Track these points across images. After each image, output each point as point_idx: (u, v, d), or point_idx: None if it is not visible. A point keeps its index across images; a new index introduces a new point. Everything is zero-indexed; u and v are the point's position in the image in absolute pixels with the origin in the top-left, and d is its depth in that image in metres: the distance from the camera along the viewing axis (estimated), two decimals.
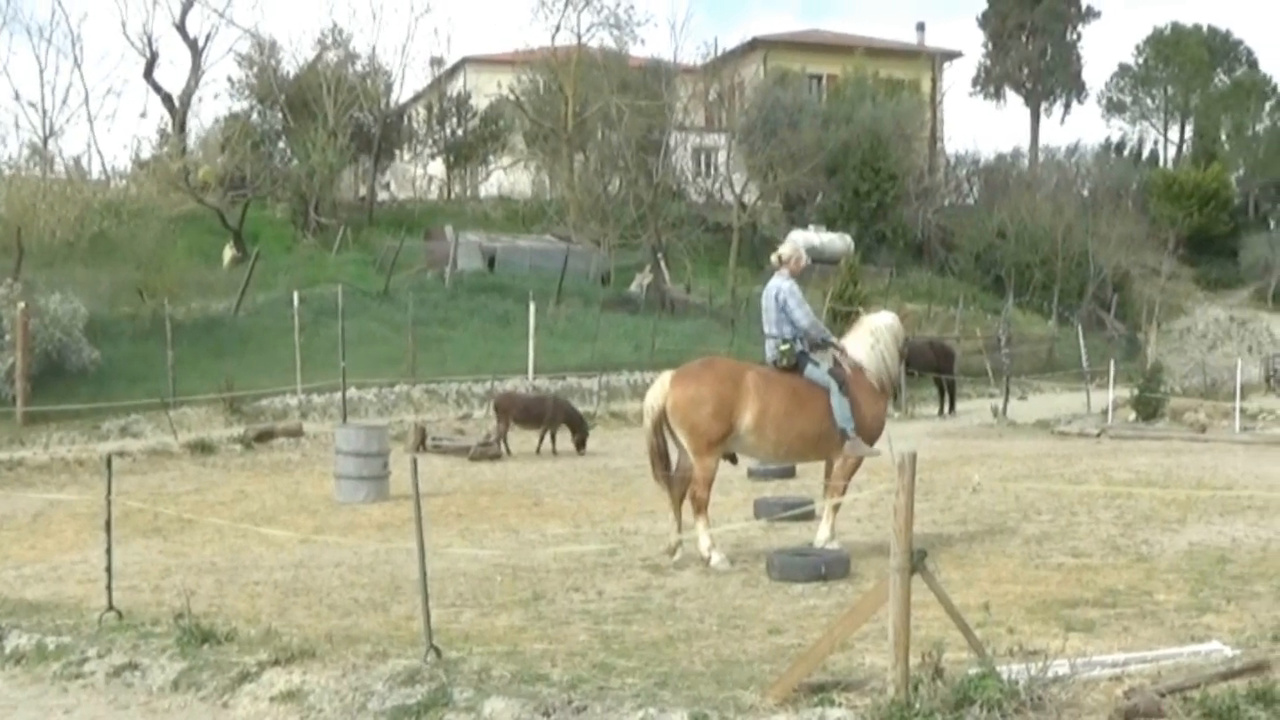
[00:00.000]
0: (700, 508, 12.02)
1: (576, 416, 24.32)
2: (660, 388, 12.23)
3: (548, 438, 24.12)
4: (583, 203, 49.70)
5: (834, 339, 12.82)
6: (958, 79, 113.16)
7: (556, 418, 24.08)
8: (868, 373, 12.65)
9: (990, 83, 74.41)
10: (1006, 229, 55.86)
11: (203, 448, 23.10)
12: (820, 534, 12.42)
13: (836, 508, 12.50)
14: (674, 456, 12.36)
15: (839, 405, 12.23)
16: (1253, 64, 75.80)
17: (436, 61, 59.97)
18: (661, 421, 12.20)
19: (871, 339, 12.88)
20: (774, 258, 13.11)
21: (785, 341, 12.41)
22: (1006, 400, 32.56)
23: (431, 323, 34.63)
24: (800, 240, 13.36)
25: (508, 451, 23.50)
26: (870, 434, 12.65)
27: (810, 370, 12.38)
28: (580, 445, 23.69)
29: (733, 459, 12.97)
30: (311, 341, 28.67)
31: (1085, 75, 75.10)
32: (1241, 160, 70.41)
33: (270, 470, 22.04)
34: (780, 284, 12.57)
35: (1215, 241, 64.32)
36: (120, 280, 32.11)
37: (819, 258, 49.64)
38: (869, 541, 12.87)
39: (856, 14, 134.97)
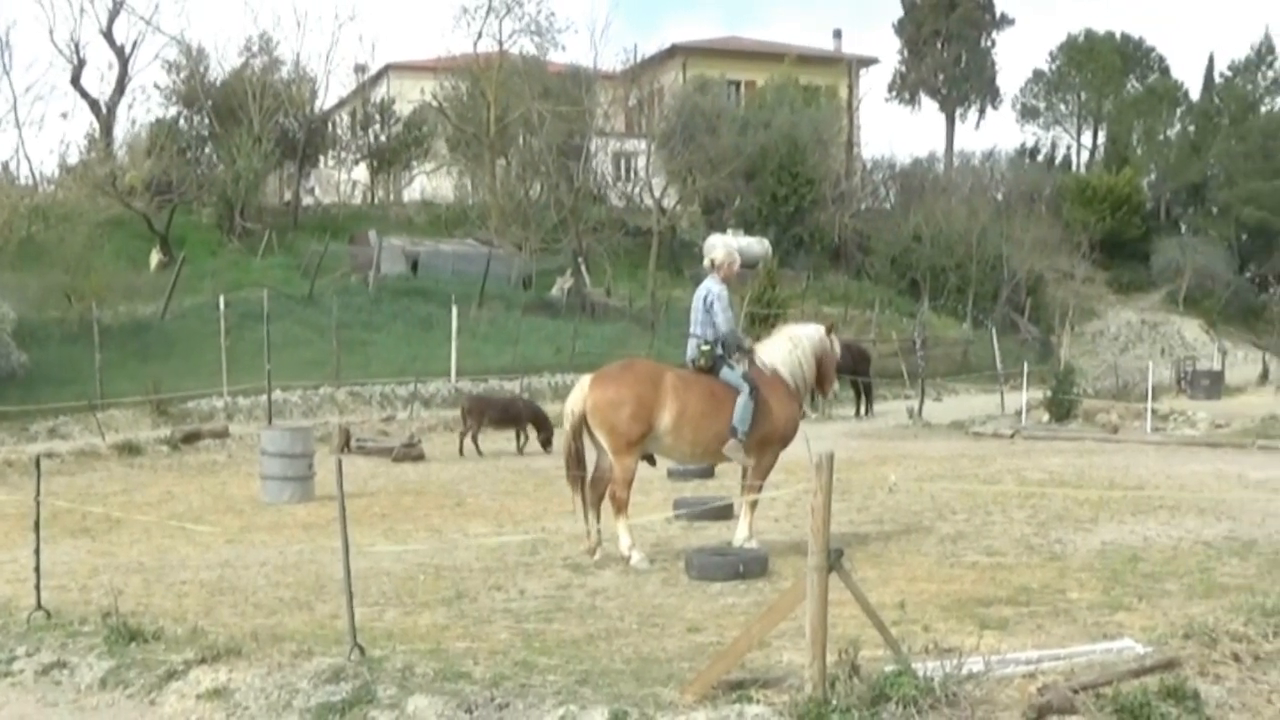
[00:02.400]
0: (620, 507, 12.10)
1: (542, 416, 24.57)
2: (580, 391, 12.30)
3: (509, 438, 24.46)
4: (504, 207, 49.73)
5: (750, 345, 12.90)
6: (874, 85, 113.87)
7: (525, 417, 24.33)
8: (781, 376, 12.76)
9: (906, 89, 74.93)
10: (922, 233, 56.27)
11: (130, 449, 23.09)
12: (738, 534, 12.50)
13: (753, 507, 12.60)
14: (592, 459, 12.43)
15: (743, 407, 12.31)
16: (1164, 70, 76.70)
17: (360, 68, 59.86)
18: (582, 425, 12.26)
19: (790, 344, 13.02)
20: (707, 261, 13.22)
21: (706, 343, 12.52)
22: (922, 402, 32.80)
23: (355, 326, 34.65)
24: (728, 244, 13.34)
25: (479, 452, 23.61)
26: (785, 436, 12.79)
27: (725, 373, 12.49)
28: (546, 444, 23.81)
29: (651, 460, 13.04)
30: (237, 345, 28.78)
31: (1000, 81, 75.93)
32: (1153, 165, 71.21)
33: (197, 471, 22.00)
34: (711, 287, 12.69)
35: (1127, 245, 65.02)
36: (48, 284, 32.01)
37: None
38: (787, 540, 12.92)
39: (775, 22, 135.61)
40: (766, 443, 12.60)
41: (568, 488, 12.71)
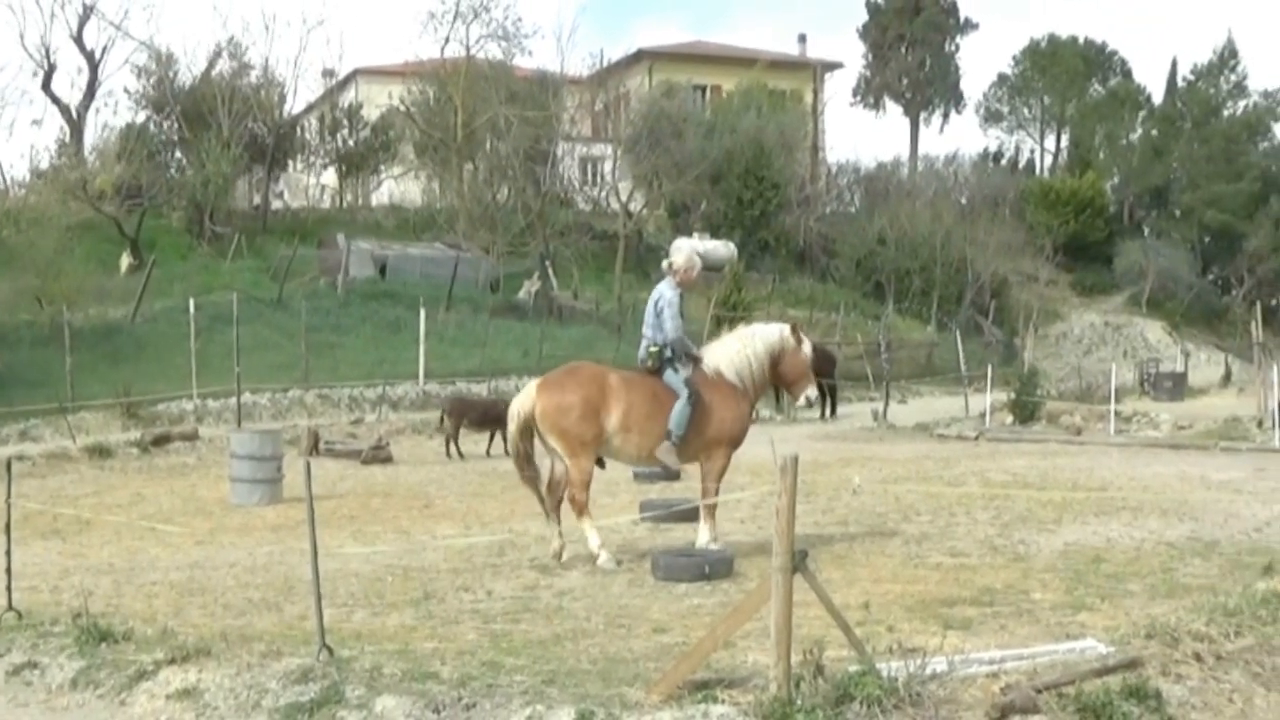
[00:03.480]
0: (581, 509, 12.18)
1: None
2: (527, 396, 12.39)
3: (484, 439, 24.42)
4: (472, 211, 49.73)
5: (696, 352, 12.88)
6: (839, 90, 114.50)
7: (505, 419, 24.33)
8: (726, 378, 12.77)
9: (870, 93, 75.19)
10: (886, 236, 56.41)
11: (101, 451, 23.15)
12: (701, 536, 12.54)
13: (712, 510, 12.61)
14: (548, 464, 12.53)
15: (679, 411, 12.36)
16: (1127, 74, 77.06)
17: (329, 73, 59.81)
18: (528, 428, 12.34)
19: (740, 344, 13.02)
20: (665, 264, 13.24)
21: (655, 345, 12.59)
22: (886, 404, 32.91)
23: (324, 329, 34.65)
24: (690, 248, 13.32)
25: (460, 455, 23.59)
26: (734, 437, 12.84)
27: (669, 376, 12.55)
28: None
29: (600, 463, 13.04)
30: (207, 348, 28.90)
31: (963, 86, 76.35)
32: (1116, 168, 71.52)
33: (167, 473, 22.05)
34: (664, 292, 12.72)
35: (1091, 248, 65.34)
36: (19, 288, 32.03)
37: (703, 265, 49.97)
38: (752, 542, 12.97)
39: (740, 27, 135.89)
40: (715, 445, 12.63)
41: (527, 489, 12.76)
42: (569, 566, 12.04)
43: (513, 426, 12.47)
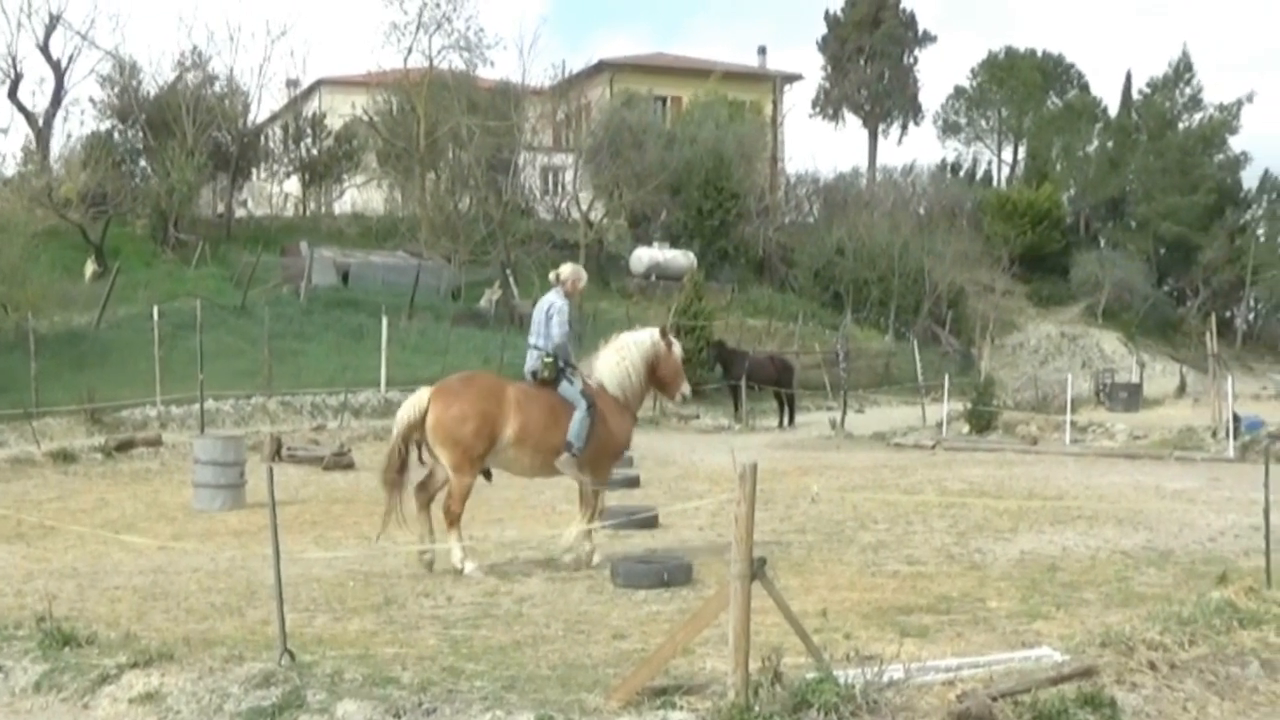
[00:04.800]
0: (454, 521, 12.18)
1: None
2: (418, 403, 12.30)
3: None
4: (434, 220, 49.65)
5: (574, 363, 12.93)
6: (798, 101, 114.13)
7: None
8: (608, 389, 12.87)
9: (829, 105, 75.38)
10: (845, 247, 56.51)
11: (65, 457, 23.11)
12: (566, 536, 12.62)
13: (591, 518, 12.77)
14: (421, 470, 12.56)
15: (579, 422, 12.46)
16: (1083, 87, 77.47)
17: (292, 83, 59.61)
18: (411, 435, 12.30)
19: (617, 356, 13.08)
20: (552, 275, 13.27)
21: (549, 355, 12.62)
22: (844, 413, 33.03)
23: (287, 336, 34.57)
24: (572, 270, 13.37)
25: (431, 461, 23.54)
26: (617, 449, 13.10)
27: (564, 387, 12.62)
28: None
29: (488, 474, 13.04)
30: (171, 354, 28.85)
31: (921, 98, 76.46)
32: (1073, 180, 71.80)
33: (130, 479, 21.98)
34: (554, 300, 12.82)
35: (1047, 259, 65.59)
36: None
37: (663, 274, 50.08)
38: (710, 549, 13.02)
39: (701, 39, 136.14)
40: (600, 456, 12.75)
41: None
42: (528, 573, 12.09)
43: (397, 431, 12.36)
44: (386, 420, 27.42)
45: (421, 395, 12.33)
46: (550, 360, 12.60)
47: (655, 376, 13.23)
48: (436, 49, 52.56)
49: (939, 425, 30.51)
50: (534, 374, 12.69)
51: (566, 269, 13.28)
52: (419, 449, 12.47)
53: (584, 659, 8.42)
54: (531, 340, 12.82)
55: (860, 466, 22.96)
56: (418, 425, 12.22)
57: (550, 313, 12.71)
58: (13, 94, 49.11)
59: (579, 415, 12.50)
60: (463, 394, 12.24)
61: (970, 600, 10.46)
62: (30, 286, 32.07)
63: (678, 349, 13.50)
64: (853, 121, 75.91)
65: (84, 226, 41.74)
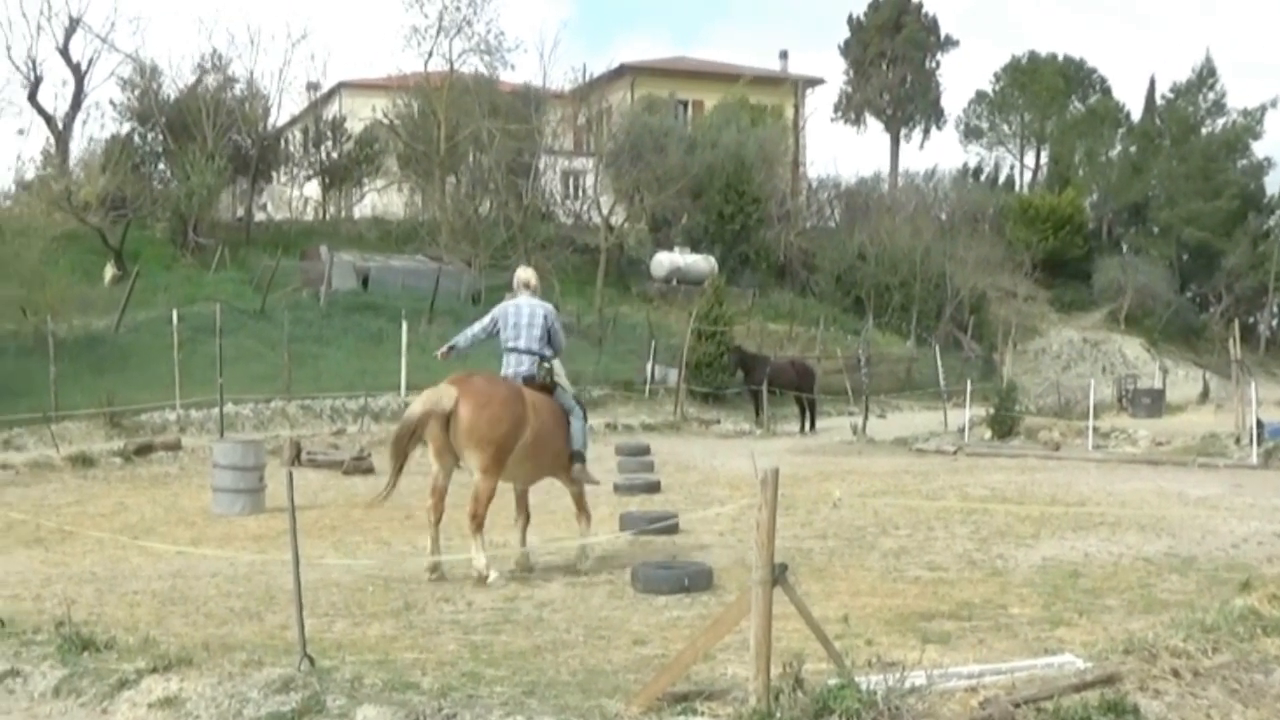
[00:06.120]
0: (479, 526, 12.04)
1: None
2: (435, 402, 11.98)
3: None
4: (454, 224, 49.69)
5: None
6: (820, 105, 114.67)
7: None
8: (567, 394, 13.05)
9: (851, 109, 75.29)
10: (866, 251, 56.44)
11: (83, 461, 23.11)
12: (475, 559, 12.26)
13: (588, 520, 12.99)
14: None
15: (580, 430, 12.62)
16: (1106, 91, 77.18)
17: (313, 86, 59.69)
18: (418, 433, 12.07)
19: (559, 365, 13.12)
20: (528, 279, 13.21)
21: (549, 362, 12.64)
22: (866, 418, 32.96)
23: (307, 340, 34.60)
24: (530, 277, 13.41)
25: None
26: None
27: (560, 393, 12.71)
28: None
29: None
30: (190, 358, 28.79)
31: (944, 102, 76.29)
32: (1095, 185, 71.54)
33: (149, 483, 21.94)
34: (546, 306, 12.90)
35: (1069, 265, 65.41)
36: (3, 297, 31.87)
37: (684, 279, 50.08)
38: (731, 555, 12.99)
39: (723, 42, 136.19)
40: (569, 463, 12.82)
41: (385, 493, 12.43)
42: (549, 578, 12.08)
43: (412, 423, 12.03)
44: None
45: (445, 392, 12.01)
46: (549, 366, 12.63)
47: None
48: (457, 52, 52.73)
49: (961, 431, 30.42)
50: (529, 378, 12.55)
51: (532, 273, 13.36)
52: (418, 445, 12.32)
53: (604, 664, 8.40)
54: (517, 344, 12.66)
55: (882, 472, 22.91)
56: (437, 420, 11.95)
57: (550, 320, 12.73)
58: (33, 97, 49.30)
59: (579, 423, 12.64)
60: (494, 396, 12.03)
61: (992, 606, 10.41)
62: (49, 290, 32.14)
63: None
64: (874, 126, 75.91)
65: (103, 230, 41.83)
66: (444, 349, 13.52)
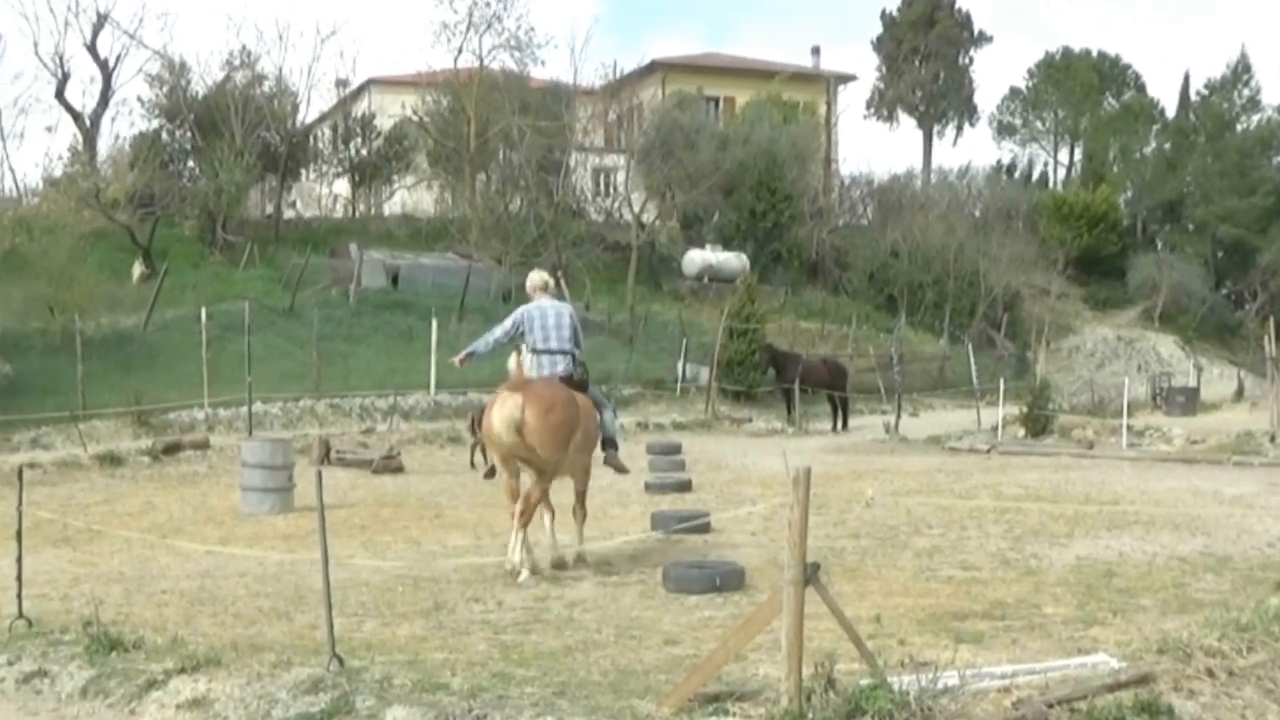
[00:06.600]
0: (527, 523, 12.25)
1: None
2: (511, 412, 12.03)
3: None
4: (484, 221, 49.67)
5: None
6: (852, 102, 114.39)
7: None
8: None
9: (884, 105, 75.11)
10: (899, 249, 56.27)
11: (111, 460, 23.21)
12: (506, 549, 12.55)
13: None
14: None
15: (610, 419, 13.03)
16: (1141, 88, 76.78)
17: (342, 83, 59.63)
18: (514, 446, 12.16)
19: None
20: (546, 281, 13.46)
21: (580, 362, 12.97)
22: (898, 417, 32.86)
23: (336, 338, 34.62)
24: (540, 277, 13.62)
25: (487, 464, 23.58)
26: None
27: (592, 390, 13.08)
28: None
29: (492, 472, 13.41)
30: (218, 356, 28.82)
31: (977, 98, 76.08)
32: (1130, 182, 71.19)
33: (177, 482, 22.06)
34: (568, 306, 13.29)
35: (1104, 262, 65.08)
36: (31, 295, 31.96)
37: (716, 276, 50.04)
38: (763, 554, 12.96)
39: (754, 38, 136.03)
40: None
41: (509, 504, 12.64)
42: (579, 577, 12.06)
43: (507, 437, 12.10)
44: (436, 423, 27.60)
45: (512, 399, 12.10)
46: (584, 364, 13.03)
47: None
48: (487, 48, 52.68)
49: (994, 429, 30.32)
50: (566, 378, 12.73)
51: (547, 275, 13.67)
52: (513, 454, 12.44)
53: (636, 665, 8.38)
54: (548, 345, 12.79)
55: (914, 471, 22.84)
56: (518, 429, 12.00)
57: (574, 320, 12.98)
58: (60, 94, 49.22)
59: (609, 414, 13.08)
60: (555, 400, 12.21)
61: (1026, 606, 10.37)
62: (77, 288, 32.23)
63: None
64: (907, 122, 75.73)
65: (131, 228, 41.85)
66: (462, 355, 13.63)
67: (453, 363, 14.23)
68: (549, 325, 12.81)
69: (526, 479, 12.44)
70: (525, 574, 11.98)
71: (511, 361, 13.37)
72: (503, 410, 12.09)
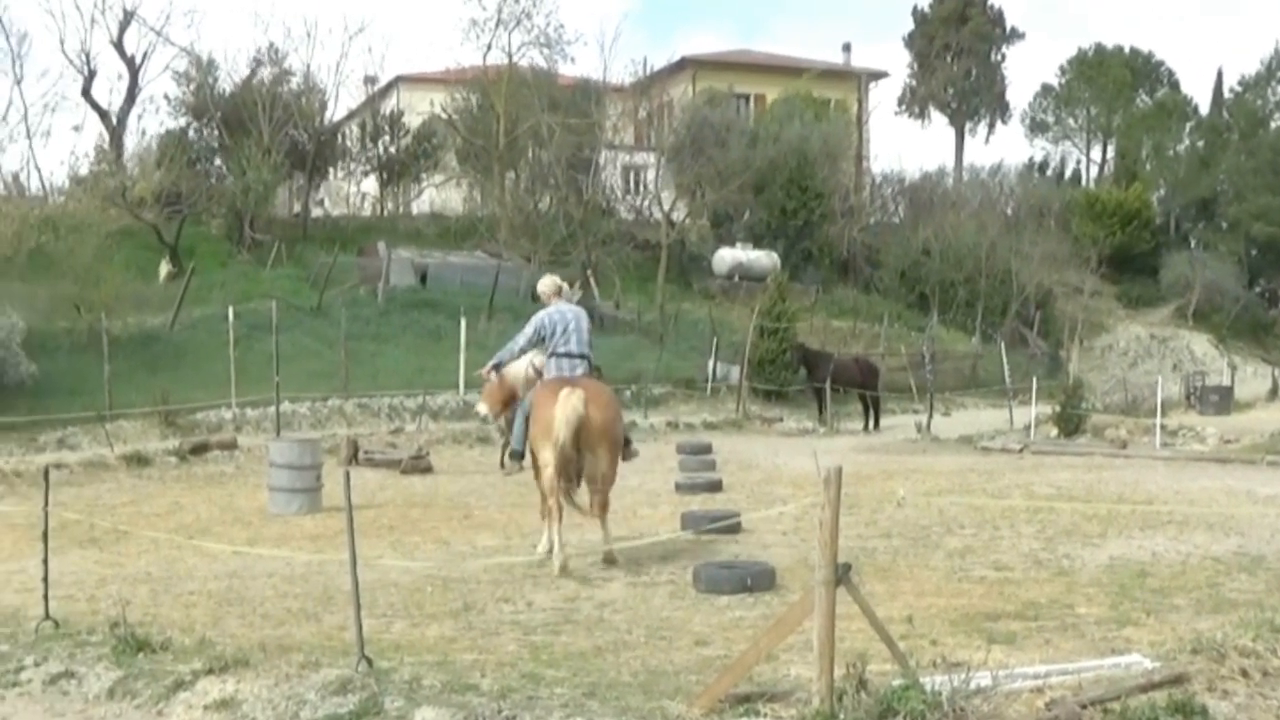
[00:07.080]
0: (605, 510, 12.85)
1: None
2: (575, 410, 12.25)
3: None
4: (514, 220, 49.67)
5: None
6: (884, 99, 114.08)
7: None
8: None
9: (916, 103, 74.93)
10: (931, 247, 56.09)
11: (138, 460, 23.13)
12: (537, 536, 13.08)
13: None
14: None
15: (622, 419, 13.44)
16: (1174, 85, 76.44)
17: (370, 80, 59.73)
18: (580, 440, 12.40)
19: None
20: (557, 287, 13.75)
21: (595, 365, 13.52)
22: (930, 416, 32.80)
23: (364, 338, 34.60)
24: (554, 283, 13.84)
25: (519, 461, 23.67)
26: None
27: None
28: None
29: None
30: (246, 356, 28.68)
31: (1009, 95, 75.88)
32: (1162, 180, 70.88)
33: (205, 482, 22.04)
34: (581, 310, 13.60)
35: (1137, 260, 64.81)
36: (58, 295, 31.93)
37: (746, 275, 49.96)
38: (794, 554, 12.94)
39: (785, 35, 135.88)
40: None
41: (568, 503, 12.76)
42: (609, 578, 12.05)
43: (567, 436, 12.27)
44: (465, 423, 27.58)
45: (573, 397, 12.30)
46: (597, 367, 13.55)
47: None
48: (516, 45, 52.68)
49: (1026, 428, 30.24)
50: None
51: (558, 279, 14.00)
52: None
53: (666, 665, 8.36)
54: (569, 348, 13.15)
55: (946, 470, 22.77)
56: (581, 427, 12.33)
57: (586, 324, 13.37)
58: (86, 91, 49.21)
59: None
60: (601, 395, 12.75)
61: (1059, 606, 10.33)
62: (104, 287, 32.12)
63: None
64: (939, 120, 75.53)
65: (158, 226, 41.81)
66: (488, 368, 13.95)
67: (478, 375, 14.44)
68: (570, 329, 13.19)
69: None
70: (558, 565, 12.22)
71: (522, 364, 13.45)
72: (565, 406, 12.27)
